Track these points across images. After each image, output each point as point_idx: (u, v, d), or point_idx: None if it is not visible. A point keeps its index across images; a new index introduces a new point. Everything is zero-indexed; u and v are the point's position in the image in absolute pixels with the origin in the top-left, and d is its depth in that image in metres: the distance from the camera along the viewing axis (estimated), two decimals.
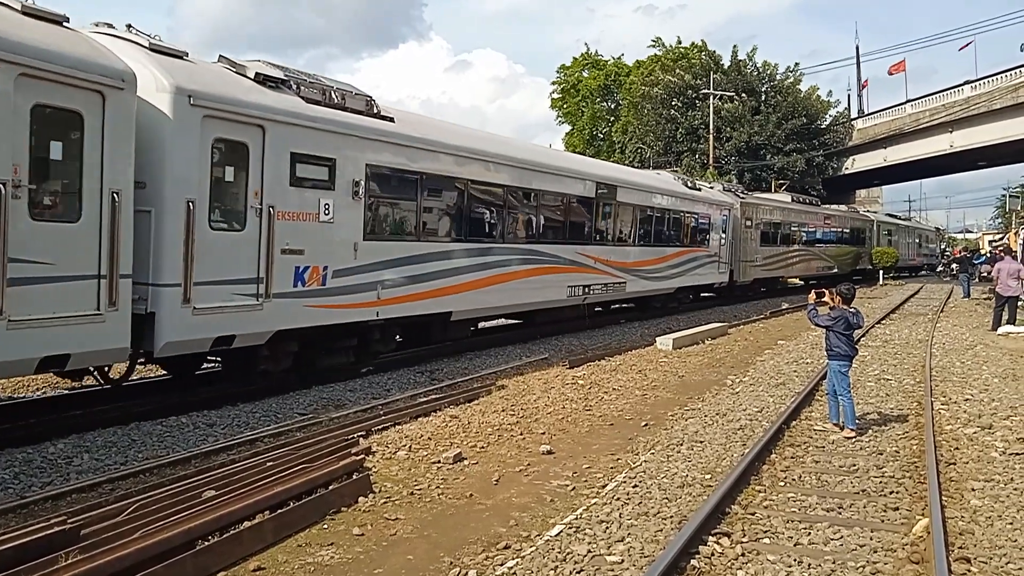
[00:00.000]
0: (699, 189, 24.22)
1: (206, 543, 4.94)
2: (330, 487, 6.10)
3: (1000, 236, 49.02)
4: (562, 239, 15.94)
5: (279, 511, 5.54)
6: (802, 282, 37.01)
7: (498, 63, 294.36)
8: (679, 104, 47.54)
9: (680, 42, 56.04)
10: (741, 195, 27.73)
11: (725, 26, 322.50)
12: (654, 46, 56.64)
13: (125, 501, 5.56)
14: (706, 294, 27.17)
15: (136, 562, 4.48)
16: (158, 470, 6.75)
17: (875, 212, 50.76)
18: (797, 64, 52.10)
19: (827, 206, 39.95)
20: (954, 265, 45.90)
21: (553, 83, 62.80)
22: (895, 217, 56.74)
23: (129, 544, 4.62)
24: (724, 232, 24.94)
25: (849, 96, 70.52)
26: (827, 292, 8.77)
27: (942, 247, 79.60)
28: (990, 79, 43.58)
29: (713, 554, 5.06)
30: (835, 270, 36.62)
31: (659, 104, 48.15)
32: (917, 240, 58.11)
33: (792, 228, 32.24)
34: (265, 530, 5.30)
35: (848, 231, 40.40)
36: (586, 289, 16.81)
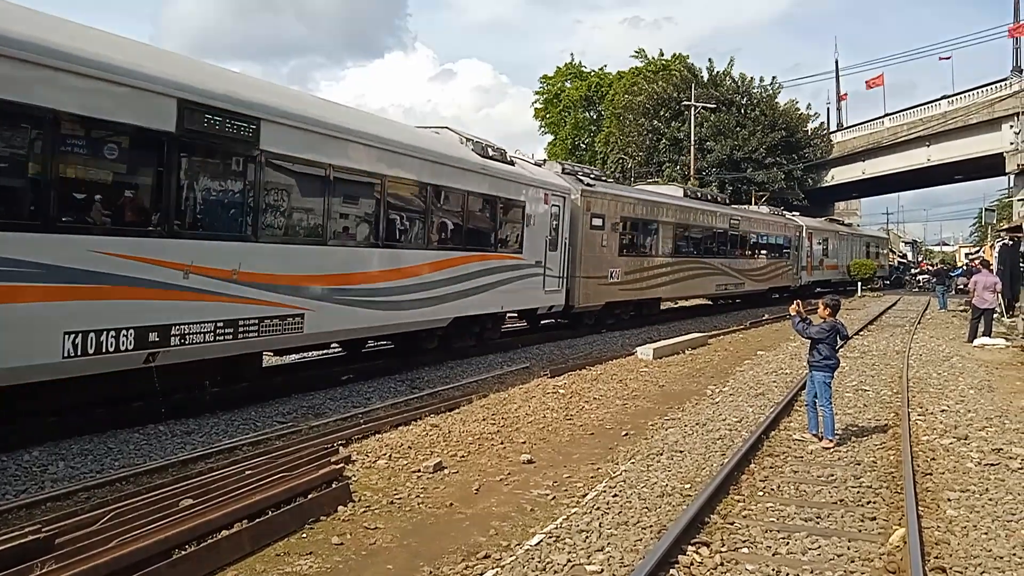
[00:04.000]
0: (511, 163, 15.85)
1: (183, 552, 4.89)
2: (309, 496, 6.06)
3: (977, 249, 49.69)
4: (45, 225, 6.87)
5: (257, 520, 5.49)
6: (674, 303, 28.26)
7: (483, 73, 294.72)
8: (665, 115, 47.92)
9: (662, 54, 56.74)
10: (588, 182, 19.27)
11: (710, 39, 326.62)
12: (636, 57, 57.35)
13: (101, 510, 5.49)
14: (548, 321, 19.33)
15: (111, 571, 4.43)
16: (134, 478, 6.67)
17: (806, 217, 40.56)
18: (774, 77, 52.78)
19: (737, 206, 32.00)
20: (922, 278, 46.27)
21: (536, 93, 63.46)
22: (837, 222, 47.53)
23: (105, 553, 4.57)
24: (556, 232, 17.24)
25: (828, 109, 71.49)
26: (800, 303, 9.02)
27: (919, 259, 79.63)
28: (966, 94, 44.49)
29: (692, 563, 5.07)
30: (745, 288, 29.74)
31: (641, 115, 48.51)
32: (865, 250, 49.31)
33: (677, 232, 24.00)
34: (243, 539, 5.25)
35: (766, 239, 32.00)
36: (155, 335, 7.88)
